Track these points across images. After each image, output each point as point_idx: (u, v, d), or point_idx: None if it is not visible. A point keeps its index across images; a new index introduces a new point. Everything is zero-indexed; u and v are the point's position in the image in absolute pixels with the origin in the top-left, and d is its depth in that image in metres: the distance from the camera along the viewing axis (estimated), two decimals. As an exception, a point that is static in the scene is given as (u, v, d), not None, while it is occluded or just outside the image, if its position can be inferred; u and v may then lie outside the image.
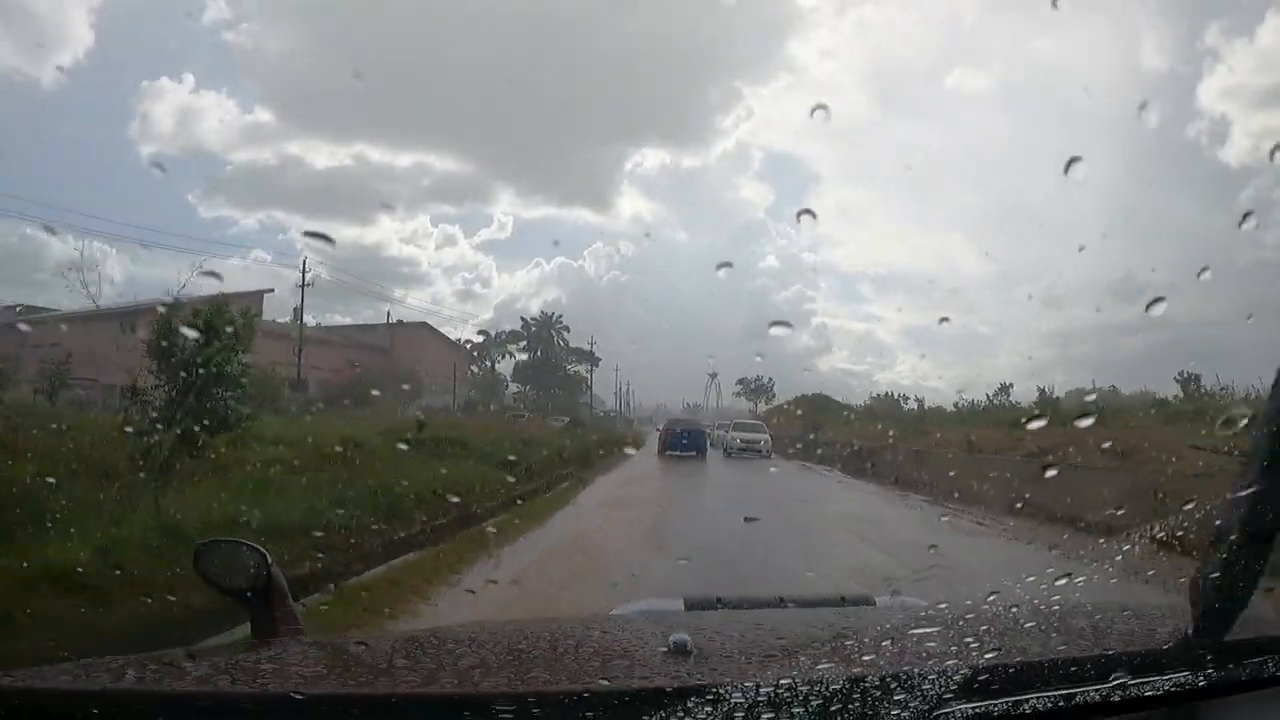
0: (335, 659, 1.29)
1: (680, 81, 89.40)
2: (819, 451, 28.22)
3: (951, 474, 17.08)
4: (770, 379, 78.83)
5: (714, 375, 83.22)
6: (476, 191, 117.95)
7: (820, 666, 1.11)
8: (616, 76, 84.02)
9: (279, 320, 57.35)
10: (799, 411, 43.85)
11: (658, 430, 33.49)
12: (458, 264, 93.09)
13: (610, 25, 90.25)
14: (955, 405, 36.11)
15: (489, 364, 70.01)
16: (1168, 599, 1.69)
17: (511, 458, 15.50)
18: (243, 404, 17.42)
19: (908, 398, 44.32)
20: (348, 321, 61.93)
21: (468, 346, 67.90)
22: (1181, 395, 27.58)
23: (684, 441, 28.63)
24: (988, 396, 37.93)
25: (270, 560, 1.41)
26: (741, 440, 30.32)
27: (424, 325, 62.82)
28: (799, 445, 30.64)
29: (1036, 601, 1.44)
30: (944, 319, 31.97)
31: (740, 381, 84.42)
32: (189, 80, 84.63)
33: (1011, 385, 39.07)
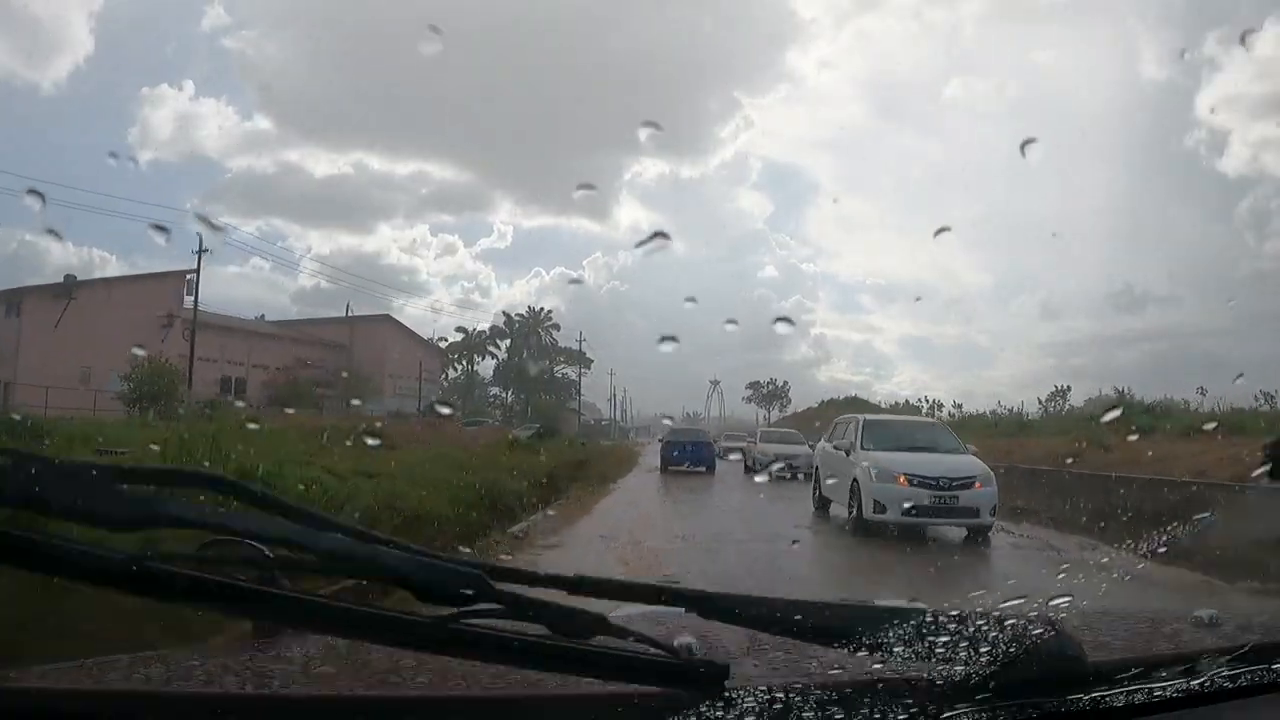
0: (342, 656, 1.25)
1: (679, 91, 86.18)
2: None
3: None
4: (785, 382, 71.02)
5: (716, 382, 75.60)
6: (476, 200, 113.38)
7: (825, 669, 1.14)
8: (616, 86, 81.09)
9: (245, 315, 50.27)
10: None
11: (659, 441, 29.82)
12: (457, 273, 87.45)
13: (610, 35, 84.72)
14: (992, 413, 33.12)
15: (465, 364, 62.83)
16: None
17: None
18: None
19: (941, 404, 38.18)
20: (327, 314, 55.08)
21: (443, 345, 60.75)
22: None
23: (688, 455, 26.02)
24: (1039, 401, 35.79)
25: (271, 555, 1.27)
26: (923, 483, 11.08)
27: (386, 318, 55.67)
28: None
29: (1061, 608, 1.31)
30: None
31: (751, 386, 76.59)
32: (189, 87, 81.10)
33: (1069, 388, 36.33)
